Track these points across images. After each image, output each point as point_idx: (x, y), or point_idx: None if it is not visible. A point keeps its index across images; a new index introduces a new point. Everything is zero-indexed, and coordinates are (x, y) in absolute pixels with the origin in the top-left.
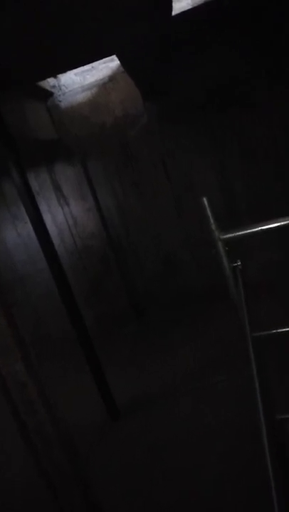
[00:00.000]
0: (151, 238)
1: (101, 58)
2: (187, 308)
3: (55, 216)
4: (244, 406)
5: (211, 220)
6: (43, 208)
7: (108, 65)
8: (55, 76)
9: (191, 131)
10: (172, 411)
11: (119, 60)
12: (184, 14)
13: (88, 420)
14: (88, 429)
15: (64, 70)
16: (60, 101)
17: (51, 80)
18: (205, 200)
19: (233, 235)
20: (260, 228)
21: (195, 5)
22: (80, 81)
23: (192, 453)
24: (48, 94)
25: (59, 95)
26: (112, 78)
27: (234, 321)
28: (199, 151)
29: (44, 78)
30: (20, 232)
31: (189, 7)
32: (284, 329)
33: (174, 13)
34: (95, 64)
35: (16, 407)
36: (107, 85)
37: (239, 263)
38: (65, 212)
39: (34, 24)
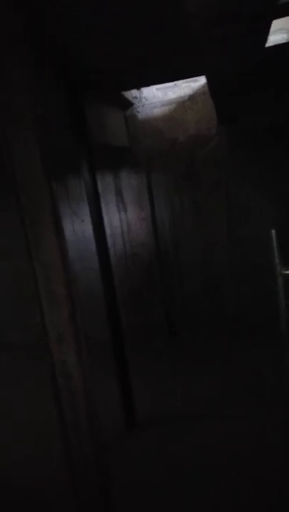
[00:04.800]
0: (200, 257)
1: (189, 77)
2: (222, 334)
3: (111, 219)
4: (258, 446)
5: (276, 254)
6: (102, 209)
7: (190, 85)
8: (138, 88)
9: (257, 161)
10: (186, 434)
11: (207, 80)
12: (276, 47)
13: (103, 425)
14: (103, 433)
15: (150, 84)
16: (138, 112)
17: (134, 91)
18: (273, 233)
19: None
20: None
21: None
22: (160, 96)
23: (195, 481)
24: (128, 104)
25: (138, 106)
26: (191, 97)
27: (269, 357)
28: (262, 182)
29: (131, 88)
30: (75, 229)
31: (284, 41)
32: None
33: (267, 44)
34: (178, 82)
35: (58, 396)
36: (185, 103)
37: None
38: (121, 217)
39: (133, 38)
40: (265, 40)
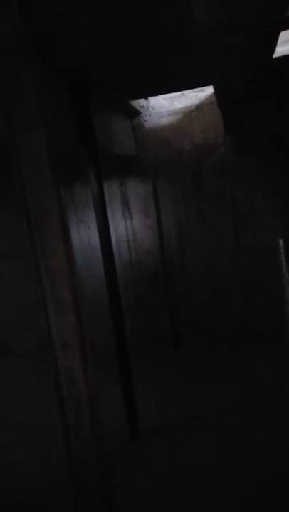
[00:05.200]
0: (205, 266)
1: (196, 87)
2: (228, 342)
3: (117, 227)
4: (263, 454)
5: (283, 263)
6: (109, 217)
7: (197, 95)
8: (146, 97)
9: (264, 170)
10: (189, 444)
11: (215, 90)
12: (284, 58)
13: (107, 432)
14: (106, 440)
15: (158, 93)
16: (145, 121)
17: (141, 101)
18: (281, 242)
19: None
20: None
21: None
22: (167, 105)
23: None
24: (135, 113)
25: (145, 115)
26: (198, 107)
27: (275, 366)
28: (268, 191)
29: (138, 98)
30: (81, 236)
31: None
32: None
33: (274, 55)
34: (185, 91)
35: (62, 402)
36: (192, 113)
37: None
38: (127, 225)
39: (133, 38)
40: (272, 51)
